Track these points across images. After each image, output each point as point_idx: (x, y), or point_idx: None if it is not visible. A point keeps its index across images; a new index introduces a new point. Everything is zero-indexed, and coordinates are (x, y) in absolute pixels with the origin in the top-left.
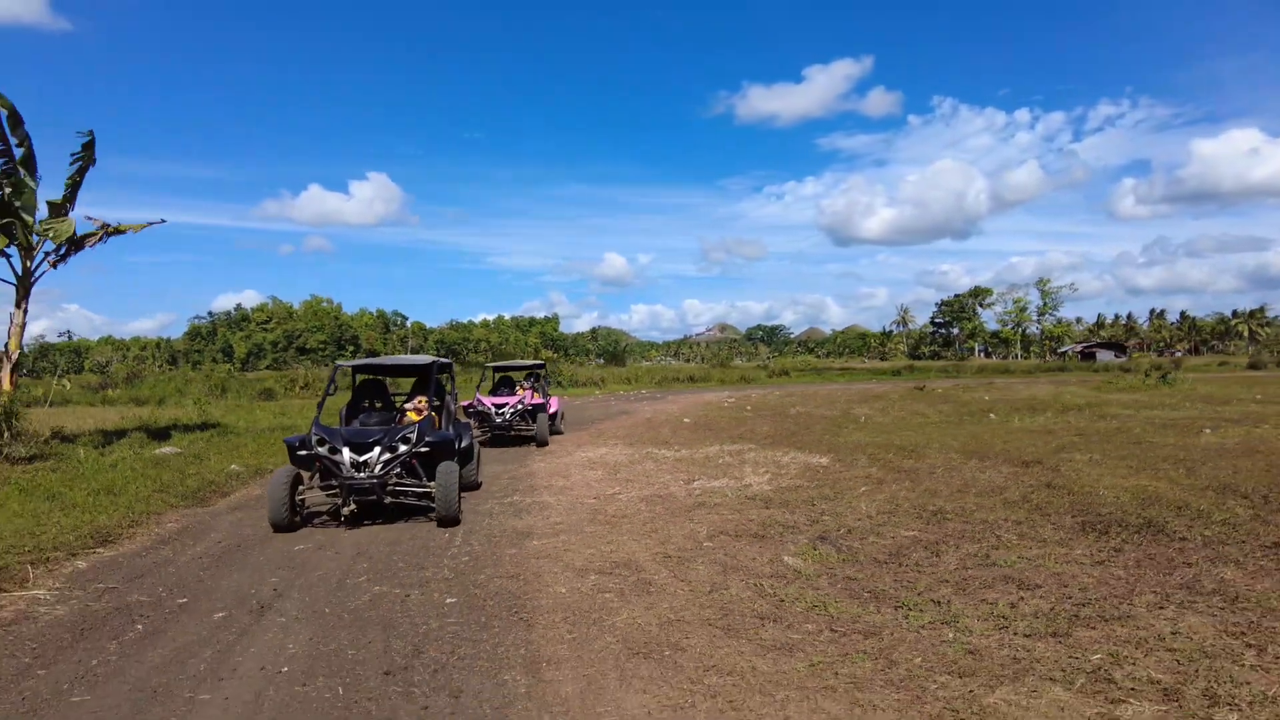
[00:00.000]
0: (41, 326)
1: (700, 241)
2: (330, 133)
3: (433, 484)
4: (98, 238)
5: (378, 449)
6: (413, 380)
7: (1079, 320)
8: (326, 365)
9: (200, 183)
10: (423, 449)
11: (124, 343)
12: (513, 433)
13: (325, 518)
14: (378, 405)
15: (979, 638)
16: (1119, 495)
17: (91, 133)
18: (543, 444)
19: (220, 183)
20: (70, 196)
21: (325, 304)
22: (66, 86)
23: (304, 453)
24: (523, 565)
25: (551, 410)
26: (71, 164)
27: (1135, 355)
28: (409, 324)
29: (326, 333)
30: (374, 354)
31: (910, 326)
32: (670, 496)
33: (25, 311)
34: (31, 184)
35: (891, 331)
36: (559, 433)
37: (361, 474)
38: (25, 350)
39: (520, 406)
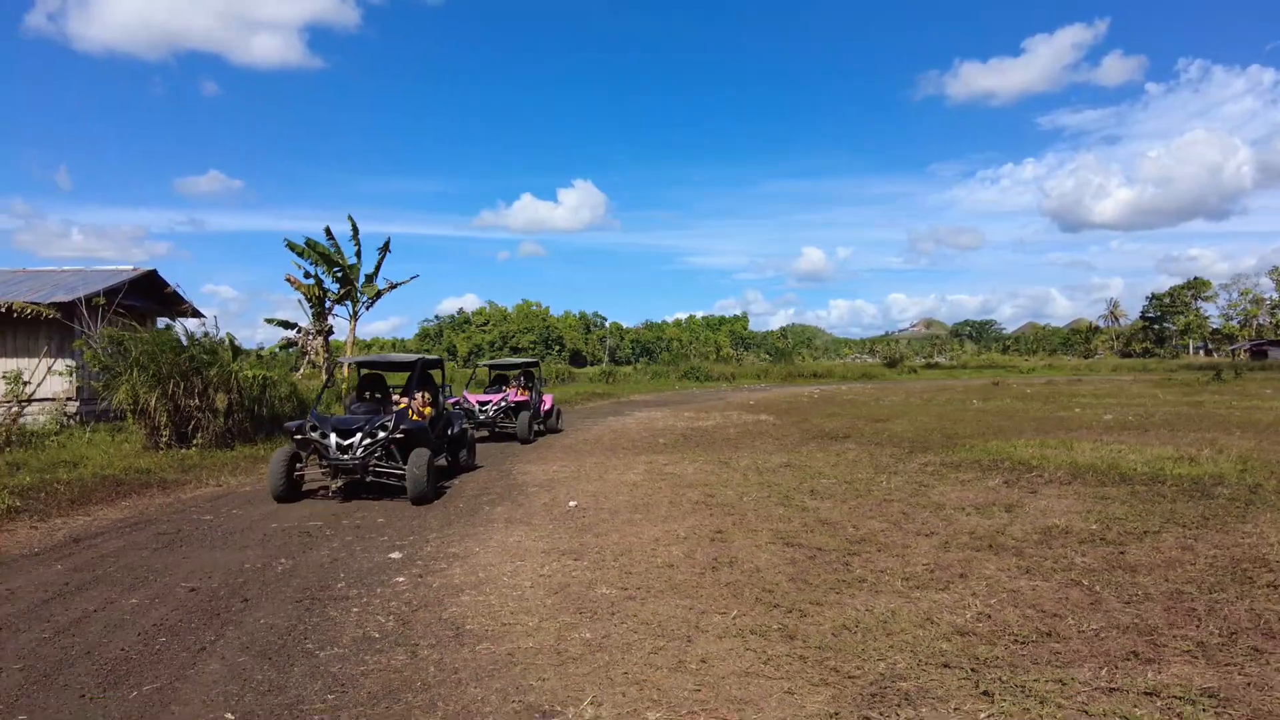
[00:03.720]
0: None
1: (907, 232)
2: (540, 144)
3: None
4: (388, 290)
5: (359, 435)
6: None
7: None
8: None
9: (426, 197)
10: (398, 436)
11: (366, 343)
12: (497, 429)
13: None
14: (377, 396)
15: (700, 453)
16: (873, 429)
17: (389, 238)
18: (525, 441)
19: (443, 196)
20: (375, 273)
21: (535, 307)
22: (322, 116)
23: (299, 436)
24: (563, 441)
25: (545, 408)
26: (378, 253)
27: None
28: (607, 324)
29: (536, 333)
30: (578, 354)
31: (1124, 321)
32: (654, 428)
33: (354, 331)
34: (359, 265)
35: (1099, 327)
36: (556, 430)
37: (345, 456)
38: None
39: (503, 404)
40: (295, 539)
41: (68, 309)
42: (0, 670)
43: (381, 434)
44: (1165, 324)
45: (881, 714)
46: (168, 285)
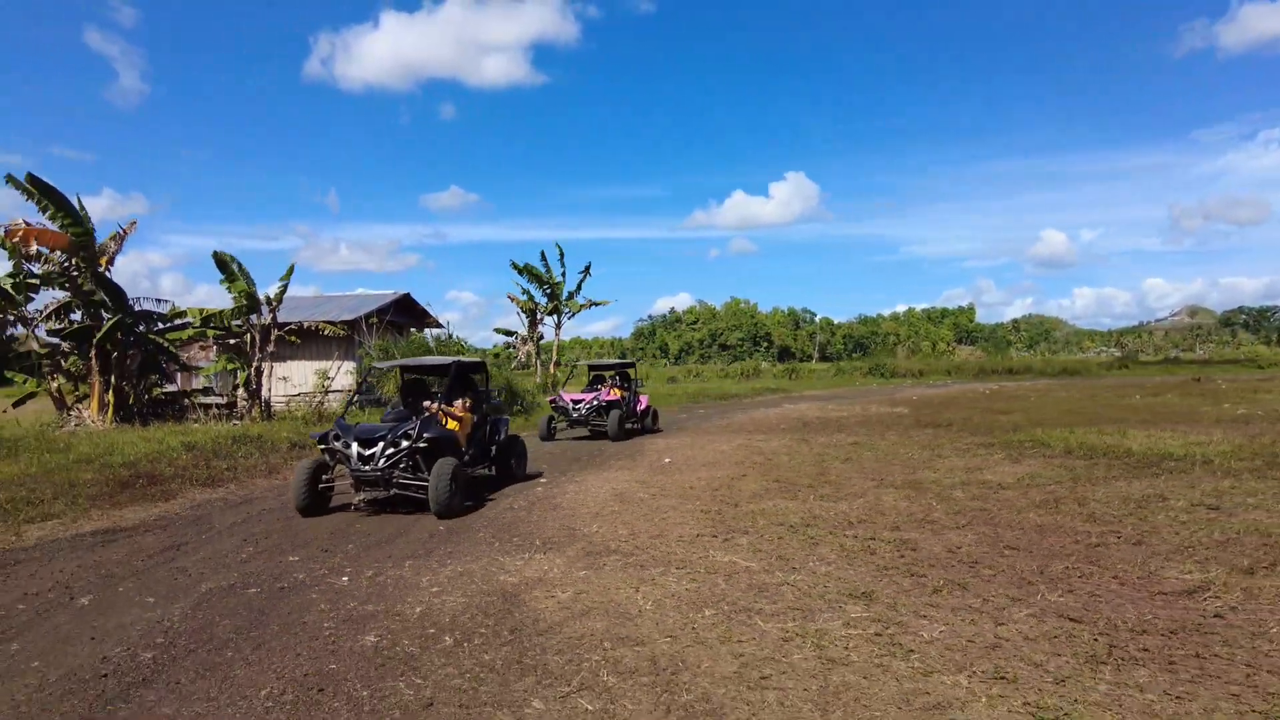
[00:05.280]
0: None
1: (1168, 209)
2: (752, 139)
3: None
4: (587, 307)
5: (381, 444)
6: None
7: None
8: (744, 360)
9: (642, 201)
10: (421, 445)
11: (587, 342)
12: (590, 427)
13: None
14: (418, 402)
15: (797, 434)
16: (980, 420)
17: (590, 263)
18: (615, 439)
19: (657, 199)
20: (576, 290)
21: (743, 304)
22: (546, 128)
23: (323, 446)
24: (700, 425)
25: (641, 407)
26: (579, 275)
27: None
28: (817, 319)
29: (743, 330)
30: (786, 350)
31: None
32: (788, 417)
33: (559, 337)
34: (563, 283)
35: None
36: (652, 430)
37: (366, 467)
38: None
39: (595, 403)
40: None
41: (351, 325)
42: (350, 507)
43: (404, 443)
44: None
45: (722, 534)
46: (417, 304)
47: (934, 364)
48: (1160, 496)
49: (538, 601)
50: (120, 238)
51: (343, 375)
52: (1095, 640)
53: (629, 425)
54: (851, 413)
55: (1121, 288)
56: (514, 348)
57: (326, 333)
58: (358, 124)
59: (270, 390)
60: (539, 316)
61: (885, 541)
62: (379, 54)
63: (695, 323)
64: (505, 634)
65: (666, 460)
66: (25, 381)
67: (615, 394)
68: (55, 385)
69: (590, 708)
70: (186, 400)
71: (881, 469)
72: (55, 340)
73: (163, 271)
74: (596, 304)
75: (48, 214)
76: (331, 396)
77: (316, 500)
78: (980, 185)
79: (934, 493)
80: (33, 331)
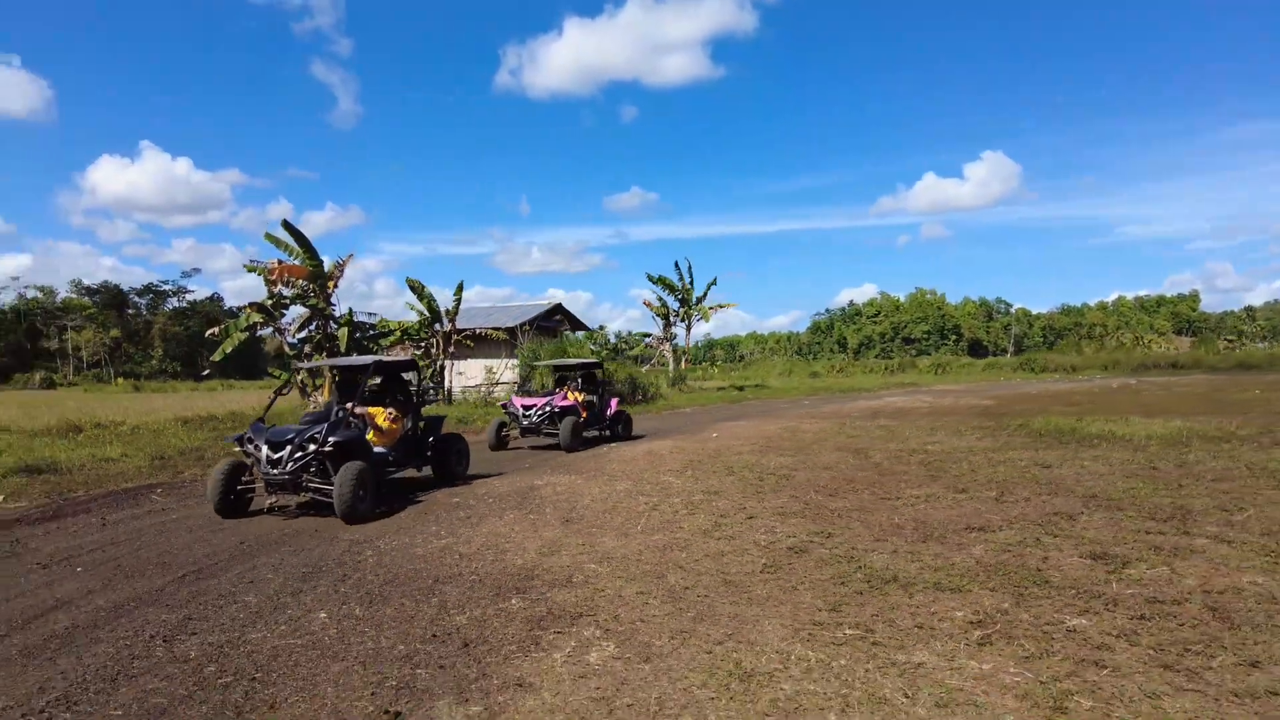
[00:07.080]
0: (709, 326)
1: None
2: (940, 118)
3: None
4: (714, 311)
5: (289, 447)
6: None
7: None
8: (929, 354)
9: (823, 190)
10: (327, 448)
11: (764, 337)
12: (543, 434)
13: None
14: (347, 404)
15: (843, 420)
16: (1043, 409)
17: (715, 278)
18: (569, 449)
19: (840, 187)
20: (703, 296)
21: (929, 295)
22: (724, 123)
23: (239, 448)
24: (787, 411)
25: (611, 412)
26: (707, 283)
27: None
28: (1013, 310)
29: (930, 323)
30: (977, 343)
31: None
32: (872, 405)
33: (690, 336)
34: (692, 290)
35: None
36: (625, 438)
37: (275, 470)
38: (692, 350)
39: (548, 409)
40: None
41: (511, 331)
42: (524, 458)
43: (311, 446)
44: None
45: (682, 470)
46: (566, 312)
47: (1087, 359)
48: (1020, 459)
49: (544, 490)
50: (342, 266)
51: (507, 371)
52: (800, 511)
53: (591, 433)
54: (936, 404)
55: None
56: (652, 347)
57: (492, 337)
58: (545, 130)
59: (451, 382)
60: (671, 320)
61: (775, 475)
62: (563, 61)
63: (876, 315)
64: (518, 499)
65: (714, 435)
66: (280, 375)
67: (574, 398)
68: (300, 378)
69: (532, 517)
70: None
71: (864, 443)
72: (299, 345)
73: (377, 276)
74: (724, 306)
75: (291, 254)
76: (500, 388)
77: (234, 502)
78: (1208, 155)
79: (863, 455)
80: (285, 339)
